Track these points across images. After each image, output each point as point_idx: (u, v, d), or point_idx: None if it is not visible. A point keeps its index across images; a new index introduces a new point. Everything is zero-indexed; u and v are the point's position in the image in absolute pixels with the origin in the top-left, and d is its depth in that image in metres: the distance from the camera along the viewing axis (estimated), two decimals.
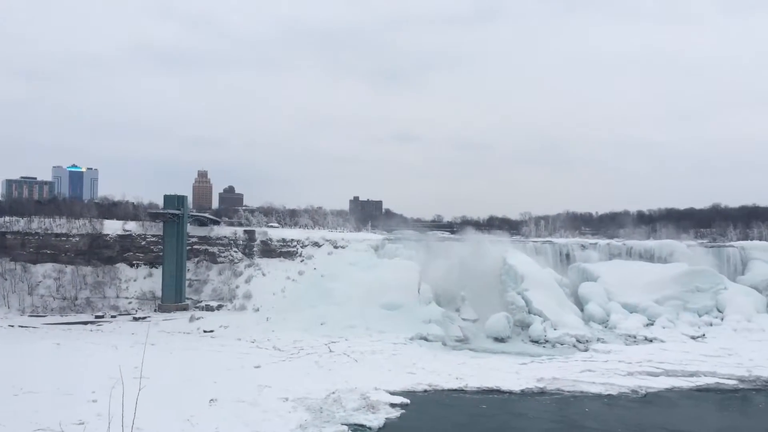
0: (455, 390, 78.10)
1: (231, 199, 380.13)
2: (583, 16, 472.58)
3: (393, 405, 70.33)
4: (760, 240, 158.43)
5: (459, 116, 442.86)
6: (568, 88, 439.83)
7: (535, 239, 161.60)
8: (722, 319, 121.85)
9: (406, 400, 71.96)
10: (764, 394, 79.51)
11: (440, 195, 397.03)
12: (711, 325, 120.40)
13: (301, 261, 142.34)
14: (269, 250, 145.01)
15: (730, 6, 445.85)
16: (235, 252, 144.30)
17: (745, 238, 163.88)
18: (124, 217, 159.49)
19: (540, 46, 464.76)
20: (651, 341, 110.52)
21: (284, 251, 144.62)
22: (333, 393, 73.72)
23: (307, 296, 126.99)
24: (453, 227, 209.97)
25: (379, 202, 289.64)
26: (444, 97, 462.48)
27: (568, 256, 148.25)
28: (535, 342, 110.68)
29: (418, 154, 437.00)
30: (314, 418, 64.85)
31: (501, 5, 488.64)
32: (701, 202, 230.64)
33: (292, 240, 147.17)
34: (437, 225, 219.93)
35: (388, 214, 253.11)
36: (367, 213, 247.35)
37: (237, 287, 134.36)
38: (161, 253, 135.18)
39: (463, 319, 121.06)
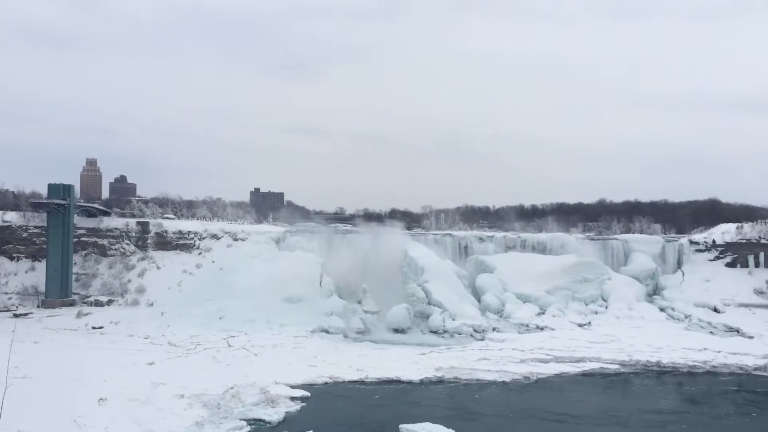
0: (356, 381, 78.60)
1: (123, 189, 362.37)
2: (479, 15, 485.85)
3: (293, 398, 69.77)
4: (641, 233, 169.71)
5: (361, 109, 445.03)
6: (466, 84, 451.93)
7: (435, 232, 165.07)
8: (606, 308, 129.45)
9: (307, 393, 71.61)
10: (642, 377, 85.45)
11: (343, 187, 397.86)
12: (596, 313, 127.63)
13: (199, 254, 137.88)
14: (164, 243, 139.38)
15: (614, 12, 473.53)
16: (127, 244, 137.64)
17: (628, 231, 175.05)
18: (3, 206, 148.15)
19: (438, 42, 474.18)
20: (542, 329, 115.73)
21: (181, 244, 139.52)
22: (231, 388, 72.11)
23: (205, 290, 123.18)
24: (355, 220, 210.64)
25: (281, 194, 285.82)
26: (346, 89, 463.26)
27: (466, 248, 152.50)
28: (435, 332, 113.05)
29: (320, 146, 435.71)
30: (211, 415, 63.11)
31: (402, 0, 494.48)
32: (589, 197, 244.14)
33: (189, 232, 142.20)
34: (340, 217, 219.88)
35: (290, 206, 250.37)
36: (269, 205, 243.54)
37: (129, 281, 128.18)
38: (45, 246, 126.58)
39: (365, 311, 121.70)
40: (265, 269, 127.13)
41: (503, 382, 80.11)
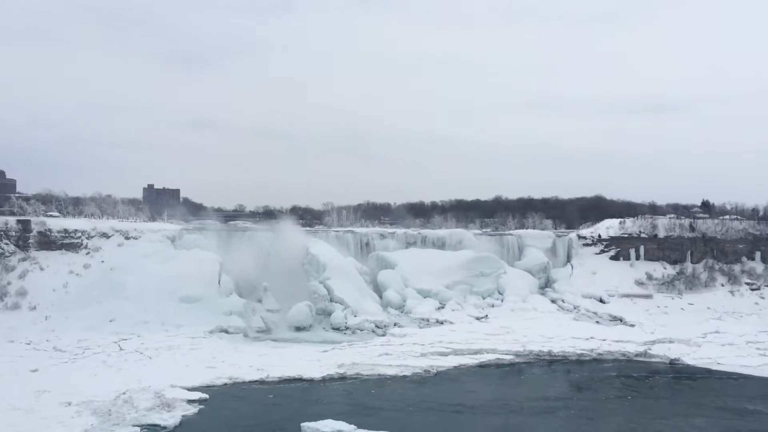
0: (257, 381, 77.31)
1: (1, 185, 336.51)
2: (377, 13, 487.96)
3: (191, 401, 67.53)
4: (534, 229, 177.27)
5: (259, 104, 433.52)
6: (368, 82, 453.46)
7: (337, 229, 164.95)
8: (502, 301, 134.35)
9: (205, 396, 69.57)
10: (535, 366, 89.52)
11: (242, 184, 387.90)
12: (493, 306, 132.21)
13: (87, 254, 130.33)
14: (48, 242, 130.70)
15: (510, 15, 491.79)
16: (6, 244, 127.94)
17: (522, 227, 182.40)
18: None
19: (337, 39, 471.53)
20: (442, 323, 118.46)
21: (67, 243, 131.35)
22: (123, 393, 68.86)
23: (94, 292, 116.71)
24: (256, 217, 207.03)
25: (177, 191, 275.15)
26: (244, 84, 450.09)
27: (368, 245, 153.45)
28: (337, 329, 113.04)
29: (217, 142, 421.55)
30: (102, 422, 59.99)
31: None
32: (486, 195, 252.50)
33: (76, 231, 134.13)
34: (240, 215, 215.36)
35: (187, 203, 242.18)
36: (164, 202, 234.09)
37: (9, 284, 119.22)
38: None
39: (266, 310, 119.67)
40: (160, 269, 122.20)
41: (404, 376, 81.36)
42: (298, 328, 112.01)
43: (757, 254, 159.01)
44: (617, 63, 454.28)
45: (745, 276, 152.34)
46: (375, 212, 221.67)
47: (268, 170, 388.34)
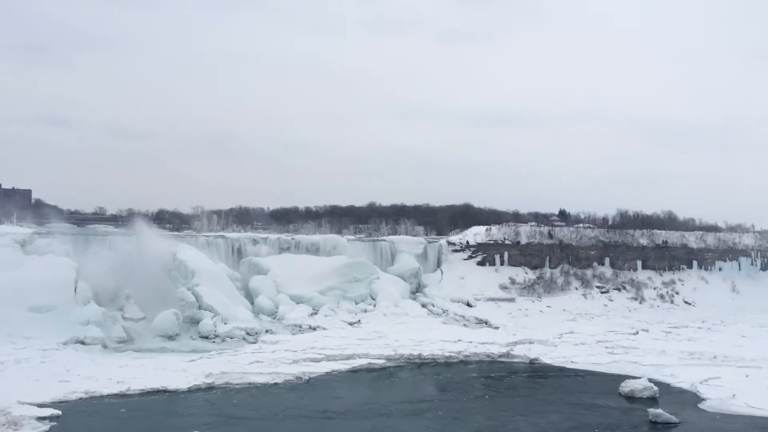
0: (116, 395, 72.52)
1: None
2: (239, 14, 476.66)
3: (41, 418, 62.10)
4: (406, 235, 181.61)
5: (118, 102, 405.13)
6: (237, 83, 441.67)
7: (207, 234, 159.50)
8: (375, 306, 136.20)
9: (57, 412, 64.32)
10: (406, 370, 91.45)
11: (103, 186, 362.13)
12: (366, 311, 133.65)
13: None
14: None
15: (375, 27, 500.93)
16: None
17: (395, 233, 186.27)
18: None
19: (204, 38, 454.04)
20: (315, 329, 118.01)
21: None
22: None
23: None
24: (118, 221, 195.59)
25: (28, 191, 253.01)
26: (100, 79, 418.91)
27: (240, 250, 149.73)
28: (205, 338, 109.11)
29: (73, 140, 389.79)
30: None
31: None
32: (360, 201, 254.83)
33: None
34: (99, 218, 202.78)
35: (39, 205, 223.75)
36: (13, 203, 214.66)
37: None
38: None
39: (128, 319, 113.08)
40: (7, 276, 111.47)
41: (275, 383, 79.98)
42: (164, 337, 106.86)
43: (607, 260, 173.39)
44: (477, 77, 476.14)
45: (596, 280, 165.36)
46: (247, 217, 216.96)
47: (131, 172, 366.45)
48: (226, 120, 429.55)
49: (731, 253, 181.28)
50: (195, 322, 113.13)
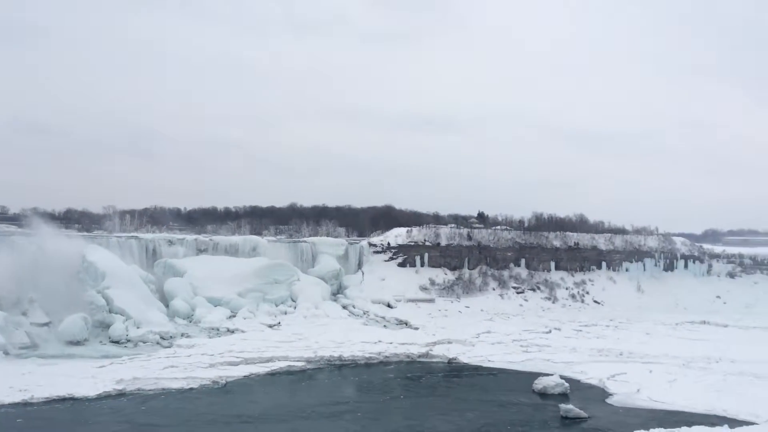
0: (18, 404, 68.38)
1: None
2: (162, 10, 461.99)
3: None
4: (327, 236, 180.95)
5: (22, 94, 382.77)
6: (152, 80, 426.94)
7: (120, 234, 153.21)
8: (295, 308, 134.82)
9: None
10: (326, 372, 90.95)
11: (4, 184, 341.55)
12: (286, 313, 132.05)
13: None
14: None
15: (299, 29, 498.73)
16: None
17: (316, 234, 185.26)
18: None
19: (119, 32, 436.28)
20: (233, 332, 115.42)
21: None
22: None
23: None
24: (21, 220, 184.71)
25: None
26: (3, 71, 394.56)
27: (154, 251, 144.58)
28: (117, 342, 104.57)
29: None
30: None
31: None
32: (281, 201, 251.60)
33: None
34: (1, 217, 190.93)
35: None
36: None
37: None
38: None
39: (32, 324, 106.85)
40: None
41: (191, 388, 77.65)
42: (72, 343, 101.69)
43: (522, 261, 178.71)
44: (400, 78, 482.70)
45: (512, 281, 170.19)
46: (163, 217, 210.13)
47: (35, 168, 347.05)
48: (146, 118, 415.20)
49: (637, 255, 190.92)
50: (105, 326, 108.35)
